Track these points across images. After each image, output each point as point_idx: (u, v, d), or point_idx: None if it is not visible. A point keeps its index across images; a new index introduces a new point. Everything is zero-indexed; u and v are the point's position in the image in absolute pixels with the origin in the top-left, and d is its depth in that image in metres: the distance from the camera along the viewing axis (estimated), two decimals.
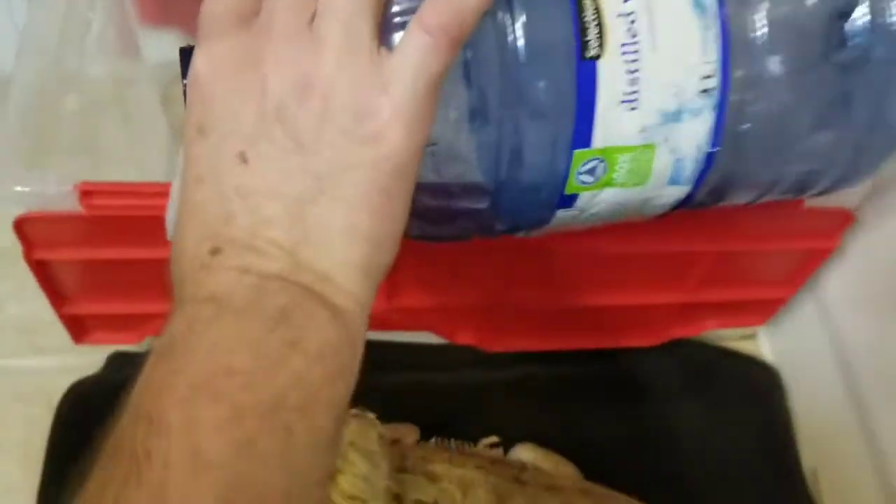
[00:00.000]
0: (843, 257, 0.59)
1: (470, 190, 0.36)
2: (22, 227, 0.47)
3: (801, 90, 0.37)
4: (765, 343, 0.69)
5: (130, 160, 0.62)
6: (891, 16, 0.37)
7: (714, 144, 0.36)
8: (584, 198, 0.36)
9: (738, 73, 0.35)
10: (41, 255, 0.49)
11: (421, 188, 0.32)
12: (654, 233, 0.48)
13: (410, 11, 0.30)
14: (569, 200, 0.36)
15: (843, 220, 0.54)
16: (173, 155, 0.66)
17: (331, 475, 0.30)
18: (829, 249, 0.57)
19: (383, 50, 0.29)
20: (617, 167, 0.35)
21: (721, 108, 0.35)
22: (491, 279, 0.54)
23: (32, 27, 0.52)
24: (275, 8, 0.30)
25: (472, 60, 0.33)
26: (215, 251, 0.29)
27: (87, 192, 0.46)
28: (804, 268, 0.59)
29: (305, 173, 0.29)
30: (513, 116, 0.34)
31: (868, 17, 0.36)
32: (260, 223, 0.29)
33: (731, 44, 0.34)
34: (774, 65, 0.35)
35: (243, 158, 0.29)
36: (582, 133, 0.34)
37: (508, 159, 0.35)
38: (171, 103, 0.63)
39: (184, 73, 0.34)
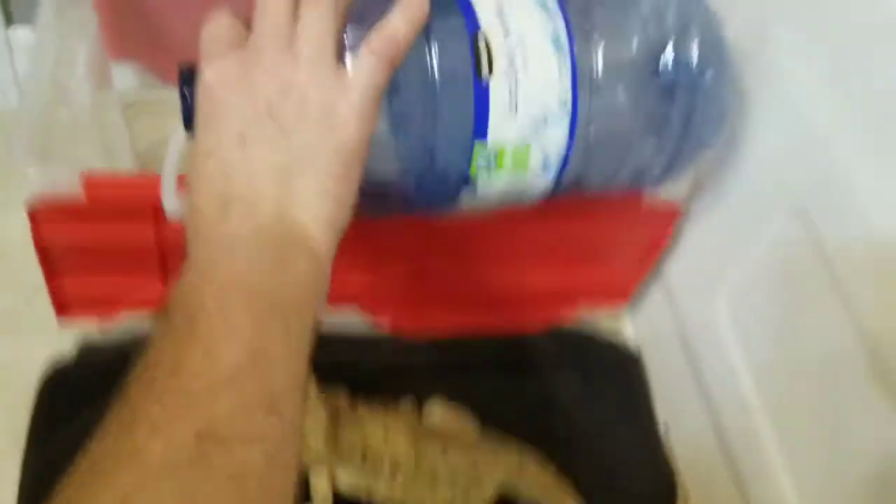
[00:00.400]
0: (679, 246, 0.76)
1: (397, 174, 0.50)
2: (32, 209, 0.59)
3: (630, 108, 0.53)
4: (627, 325, 0.86)
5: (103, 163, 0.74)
6: (690, 56, 0.54)
7: (569, 146, 0.52)
8: (482, 182, 0.51)
9: (584, 94, 0.51)
10: (46, 234, 0.61)
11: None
12: (534, 218, 0.62)
13: (359, 42, 0.44)
14: (470, 182, 0.51)
15: (673, 214, 0.71)
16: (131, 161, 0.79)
17: (306, 374, 0.41)
18: (664, 237, 0.74)
19: (342, 66, 0.43)
20: (504, 158, 0.50)
21: (573, 119, 0.51)
22: (407, 257, 0.68)
23: (36, 58, 0.64)
24: (262, 34, 0.42)
25: (401, 79, 0.47)
26: (224, 205, 0.41)
27: (90, 181, 0.58)
28: (649, 253, 0.76)
29: (288, 150, 0.42)
30: (430, 118, 0.48)
31: (673, 56, 0.53)
32: (255, 184, 0.41)
33: (579, 73, 0.50)
34: (610, 89, 0.52)
35: (242, 139, 0.42)
36: (479, 132, 0.49)
37: (426, 151, 0.49)
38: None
39: (181, 82, 0.47)
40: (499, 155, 0.50)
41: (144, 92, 0.89)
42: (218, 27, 0.43)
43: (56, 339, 0.72)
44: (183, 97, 0.47)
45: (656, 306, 0.81)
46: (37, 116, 0.62)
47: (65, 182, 0.58)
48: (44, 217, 0.60)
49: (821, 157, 0.59)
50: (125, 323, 0.72)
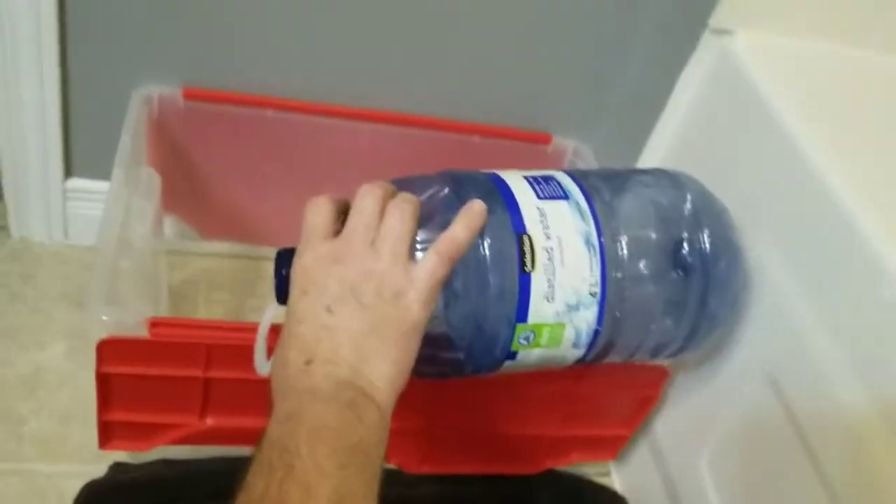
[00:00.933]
0: (666, 406, 0.85)
1: (450, 345, 0.58)
2: (101, 348, 0.66)
3: (652, 294, 0.63)
4: (616, 478, 0.94)
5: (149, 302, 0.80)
6: (705, 248, 0.64)
7: (599, 325, 0.61)
8: (522, 353, 0.60)
9: (612, 283, 0.60)
10: (107, 369, 0.67)
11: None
12: (535, 379, 0.70)
13: (427, 242, 0.54)
14: (513, 355, 0.60)
15: (662, 374, 0.80)
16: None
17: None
18: (654, 397, 0.83)
19: (411, 261, 0.52)
20: (542, 335, 0.59)
21: (602, 303, 0.60)
22: (418, 410, 0.76)
23: (108, 214, 0.72)
24: (354, 231, 0.52)
25: (459, 269, 0.56)
26: (309, 362, 0.50)
27: (154, 324, 0.66)
28: (638, 411, 0.84)
29: (364, 321, 0.51)
30: (481, 302, 0.57)
31: (689, 249, 0.63)
32: (337, 346, 0.50)
33: (607, 266, 0.60)
34: (634, 277, 0.61)
35: (329, 309, 0.51)
36: (521, 315, 0.58)
37: (475, 328, 0.58)
38: None
39: (278, 262, 0.56)
40: (537, 333, 0.59)
41: (181, 241, 0.98)
42: (319, 218, 0.53)
43: (90, 465, 0.77)
44: (279, 275, 0.55)
45: (643, 461, 0.89)
46: (107, 268, 0.69)
47: (132, 323, 0.65)
48: (109, 352, 0.66)
49: (790, 334, 0.69)
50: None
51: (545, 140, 0.98)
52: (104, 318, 0.65)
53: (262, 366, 0.59)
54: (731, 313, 0.70)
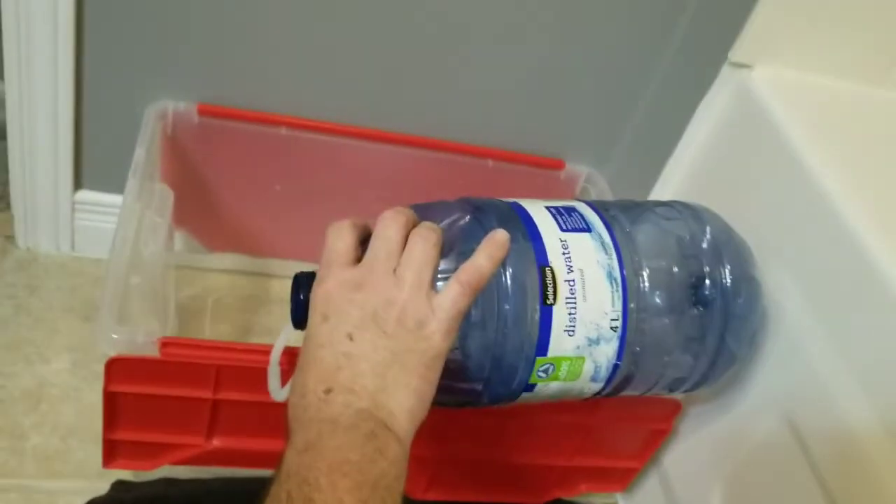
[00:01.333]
0: (676, 438, 0.84)
1: (467, 375, 0.58)
2: (109, 366, 0.65)
3: (672, 329, 0.62)
4: None
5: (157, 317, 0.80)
6: (724, 284, 0.64)
7: (618, 359, 0.60)
8: (540, 386, 0.59)
9: (633, 317, 0.60)
10: (114, 388, 0.66)
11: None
12: (548, 410, 0.70)
13: (449, 272, 0.53)
14: (531, 387, 0.59)
15: (675, 408, 0.79)
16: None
17: None
18: (665, 430, 0.82)
19: (433, 290, 0.52)
20: (561, 369, 0.59)
21: (622, 338, 0.59)
22: (431, 434, 0.75)
23: (120, 230, 0.71)
24: (377, 258, 0.51)
25: (480, 301, 0.55)
26: (328, 391, 0.49)
27: (165, 343, 0.65)
28: (649, 444, 0.83)
29: (386, 349, 0.50)
30: (501, 333, 0.56)
31: (709, 285, 0.63)
32: (357, 375, 0.49)
33: (629, 299, 0.59)
34: (655, 311, 0.61)
35: (351, 337, 0.50)
36: (541, 348, 0.57)
37: (493, 359, 0.57)
38: None
39: (297, 286, 0.55)
40: (556, 366, 0.58)
41: (189, 256, 0.97)
42: (341, 244, 0.52)
43: (92, 483, 0.76)
44: (296, 298, 0.54)
45: (652, 492, 0.88)
46: (118, 284, 0.68)
47: (142, 342, 0.65)
48: (117, 371, 0.65)
49: (807, 371, 0.68)
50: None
51: (558, 166, 0.97)
52: (114, 336, 0.64)
53: (276, 391, 0.58)
54: (749, 350, 0.70)
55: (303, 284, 0.55)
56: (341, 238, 0.53)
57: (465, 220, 0.59)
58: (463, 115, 0.93)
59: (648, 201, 0.72)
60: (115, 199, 0.94)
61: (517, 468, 0.83)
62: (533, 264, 0.57)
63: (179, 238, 0.97)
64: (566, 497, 0.87)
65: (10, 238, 0.98)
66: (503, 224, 0.58)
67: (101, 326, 0.64)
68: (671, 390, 0.67)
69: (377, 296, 0.50)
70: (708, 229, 0.66)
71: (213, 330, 0.95)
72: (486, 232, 0.54)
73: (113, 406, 0.68)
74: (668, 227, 0.65)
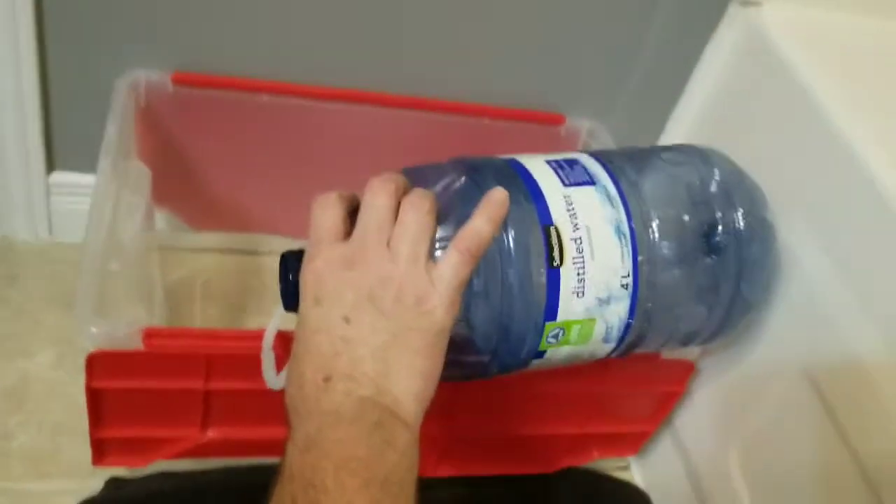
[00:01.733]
0: (690, 399, 0.80)
1: (474, 348, 0.53)
2: (90, 361, 0.60)
3: (685, 281, 0.58)
4: (636, 472, 0.89)
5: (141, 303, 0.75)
6: (738, 227, 0.59)
7: (630, 317, 0.56)
8: (550, 352, 0.55)
9: (643, 272, 0.55)
10: (98, 384, 0.62)
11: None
12: (557, 376, 0.65)
13: (446, 239, 0.49)
14: (541, 354, 0.55)
15: (687, 369, 0.75)
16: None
17: None
18: (678, 392, 0.78)
19: (431, 261, 0.47)
20: (571, 332, 0.54)
21: (634, 296, 0.55)
22: (440, 410, 0.71)
23: (94, 214, 0.66)
24: (367, 231, 0.47)
25: (481, 266, 0.51)
26: (327, 379, 0.45)
27: (149, 334, 0.60)
28: (662, 407, 0.80)
29: (385, 331, 0.46)
30: (507, 300, 0.52)
31: (721, 231, 0.58)
32: (357, 360, 0.45)
33: (638, 255, 0.55)
34: (666, 264, 0.56)
35: (347, 320, 0.46)
36: (550, 313, 0.53)
37: (500, 329, 0.53)
38: None
39: (285, 266, 0.51)
40: (566, 330, 0.54)
41: (173, 235, 0.93)
42: (328, 219, 0.48)
43: (84, 481, 0.72)
44: (286, 280, 0.50)
45: (665, 455, 0.85)
46: (95, 272, 0.63)
47: (123, 334, 0.60)
48: (100, 366, 0.61)
49: (826, 324, 0.65)
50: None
51: (558, 121, 0.92)
52: (94, 329, 0.60)
53: (272, 380, 0.54)
54: (765, 296, 0.66)
55: (291, 264, 0.50)
56: (328, 212, 0.48)
57: (461, 181, 0.54)
58: (454, 70, 0.88)
59: (654, 147, 0.68)
60: (92, 179, 0.88)
61: (527, 439, 0.79)
62: (536, 224, 0.53)
63: (161, 218, 0.92)
64: (578, 464, 0.84)
65: None
66: (501, 183, 0.53)
67: (80, 319, 0.60)
68: (685, 344, 0.63)
69: (371, 273, 0.46)
70: (717, 172, 0.62)
71: (204, 314, 0.90)
72: (483, 193, 0.50)
73: (98, 403, 0.64)
74: (676, 173, 0.61)
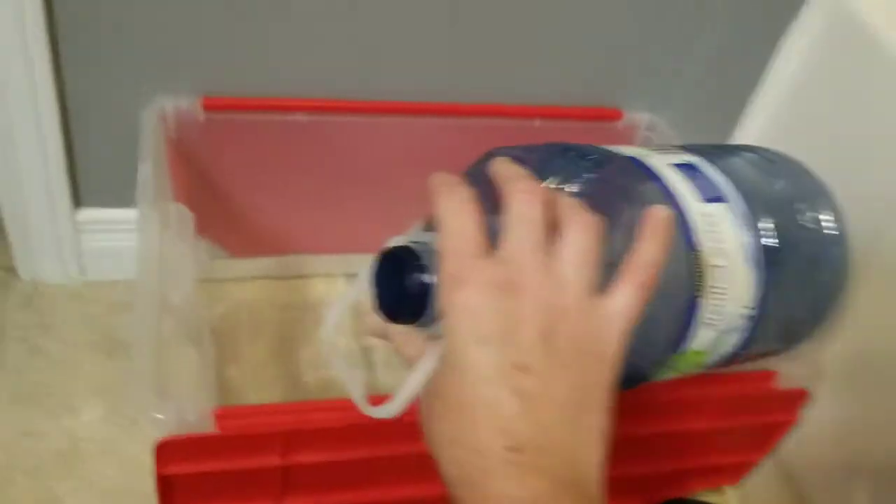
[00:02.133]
0: (799, 427, 0.73)
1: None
2: (160, 449, 0.54)
3: (794, 297, 0.52)
4: (732, 498, 0.82)
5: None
6: (831, 231, 0.53)
7: (742, 349, 0.51)
8: (655, 379, 0.49)
9: (769, 305, 0.49)
10: (168, 471, 0.56)
11: None
12: (664, 410, 0.60)
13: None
14: (645, 380, 0.48)
15: (800, 398, 0.69)
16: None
17: None
18: (791, 422, 0.71)
19: (600, 293, 0.38)
20: (682, 363, 0.48)
21: (753, 329, 0.49)
22: None
23: (140, 272, 0.60)
24: (521, 250, 0.37)
25: None
26: (515, 450, 0.35)
27: (222, 415, 0.54)
28: (772, 436, 0.73)
29: (567, 384, 0.36)
30: (640, 335, 0.45)
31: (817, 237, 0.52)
32: (546, 426, 0.35)
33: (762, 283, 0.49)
34: (782, 284, 0.50)
35: (522, 368, 0.36)
36: (676, 345, 0.47)
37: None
38: None
39: (392, 262, 0.40)
40: (680, 360, 0.48)
41: (212, 266, 0.87)
42: (467, 225, 0.38)
43: None
44: (412, 282, 0.39)
45: (768, 484, 0.79)
46: (151, 349, 0.57)
47: (194, 418, 0.54)
48: (169, 452, 0.55)
49: None
50: None
51: (615, 116, 0.86)
52: (159, 416, 0.54)
53: (364, 405, 0.43)
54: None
55: (407, 263, 0.39)
56: (466, 214, 0.38)
57: (591, 176, 0.46)
58: (501, 72, 0.81)
59: (735, 147, 0.60)
60: (121, 213, 0.83)
61: (623, 477, 0.74)
62: (682, 247, 0.46)
63: (199, 247, 0.85)
64: (675, 497, 0.78)
65: (11, 270, 0.87)
66: (637, 187, 0.46)
67: (141, 405, 0.54)
68: (789, 347, 0.58)
69: (537, 305, 0.37)
70: (795, 171, 0.56)
71: (252, 352, 0.84)
72: (617, 195, 0.43)
73: (169, 489, 0.58)
74: (772, 182, 0.54)
